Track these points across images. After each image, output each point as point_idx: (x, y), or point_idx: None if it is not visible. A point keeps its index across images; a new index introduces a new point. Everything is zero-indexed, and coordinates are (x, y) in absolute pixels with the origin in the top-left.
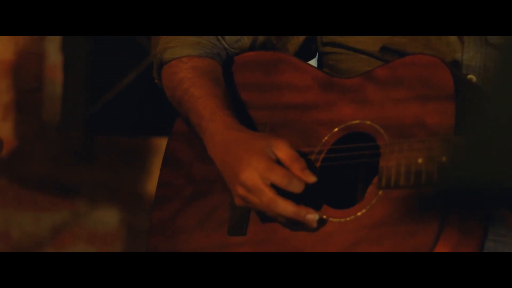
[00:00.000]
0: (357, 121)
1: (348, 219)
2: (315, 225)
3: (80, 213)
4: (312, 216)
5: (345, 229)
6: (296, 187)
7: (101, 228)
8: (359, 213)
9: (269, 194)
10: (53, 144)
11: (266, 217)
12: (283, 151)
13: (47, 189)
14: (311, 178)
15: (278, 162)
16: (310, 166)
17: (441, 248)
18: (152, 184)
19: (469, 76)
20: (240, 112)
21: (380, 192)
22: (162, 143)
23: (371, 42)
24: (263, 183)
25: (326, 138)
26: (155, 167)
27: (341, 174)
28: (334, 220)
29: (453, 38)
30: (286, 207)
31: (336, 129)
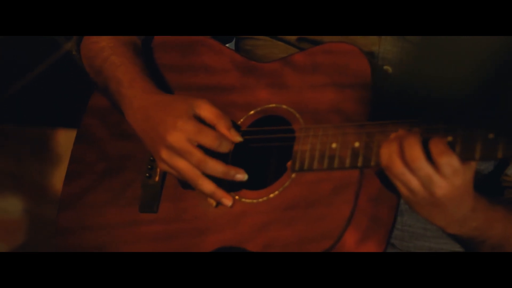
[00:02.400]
0: (273, 105)
1: (260, 200)
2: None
3: None
4: (241, 176)
5: (257, 210)
6: (225, 147)
7: (4, 216)
8: (271, 195)
9: (198, 154)
10: None
11: (180, 193)
12: (206, 110)
13: None
14: (238, 138)
15: (203, 122)
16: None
17: (351, 232)
18: (58, 175)
19: (385, 67)
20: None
21: (293, 175)
22: (70, 135)
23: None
24: (191, 145)
25: (241, 120)
26: (62, 158)
27: (256, 156)
28: (247, 200)
29: None
30: (217, 166)
31: (252, 112)
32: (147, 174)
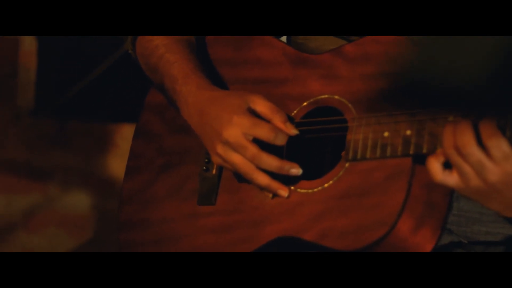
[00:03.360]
0: (326, 96)
1: (315, 190)
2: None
3: (52, 197)
4: (295, 170)
5: (312, 200)
6: (281, 140)
7: (72, 211)
8: (326, 185)
9: (253, 149)
10: (27, 129)
11: (237, 185)
12: (261, 104)
13: (20, 172)
14: (293, 131)
15: (258, 116)
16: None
17: (406, 219)
18: (123, 170)
19: None
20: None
21: (347, 164)
22: (133, 129)
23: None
24: (246, 139)
25: (295, 112)
26: (126, 153)
27: (310, 147)
28: (302, 191)
29: None
30: (271, 161)
31: (305, 103)
32: (204, 167)
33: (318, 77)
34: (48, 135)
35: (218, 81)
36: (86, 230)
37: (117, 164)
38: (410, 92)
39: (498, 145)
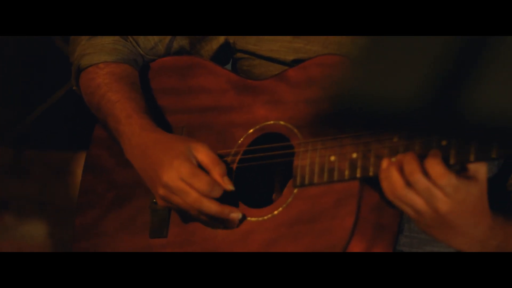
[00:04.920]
0: (271, 122)
1: (265, 217)
2: (236, 222)
3: (8, 227)
4: (235, 215)
5: (263, 228)
6: (216, 194)
7: (29, 241)
8: (275, 212)
9: (193, 194)
10: None
11: (187, 216)
12: (204, 154)
13: None
14: (229, 187)
15: (199, 165)
16: (228, 168)
17: (356, 243)
18: None
19: None
20: (158, 117)
21: (295, 191)
22: None
23: (283, 51)
24: (186, 184)
25: (241, 139)
26: None
27: (258, 175)
28: (252, 219)
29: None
30: (211, 207)
31: (251, 130)
32: (154, 200)
33: (263, 103)
34: (3, 164)
35: (163, 111)
36: None
37: (74, 193)
38: (354, 115)
39: (449, 183)
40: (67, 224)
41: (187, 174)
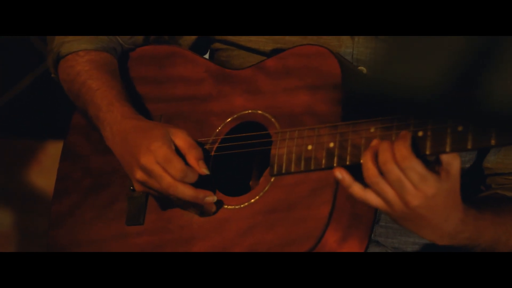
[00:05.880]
0: (249, 111)
1: (242, 206)
2: (213, 207)
3: None
4: (210, 198)
5: (239, 216)
6: (190, 179)
7: None
8: (252, 200)
9: (168, 179)
10: None
11: (164, 203)
12: (181, 139)
13: None
14: (204, 171)
15: (176, 150)
16: (205, 156)
17: (332, 232)
18: (48, 187)
19: (359, 68)
20: (136, 105)
21: (272, 179)
22: (59, 146)
23: (262, 42)
24: (161, 168)
25: (219, 128)
26: (52, 170)
27: (236, 163)
28: (229, 207)
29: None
30: (185, 191)
31: (229, 119)
32: (131, 187)
33: (241, 93)
34: None
35: (142, 100)
36: (9, 248)
37: (40, 181)
38: (332, 105)
39: (412, 167)
40: (33, 213)
41: (162, 158)
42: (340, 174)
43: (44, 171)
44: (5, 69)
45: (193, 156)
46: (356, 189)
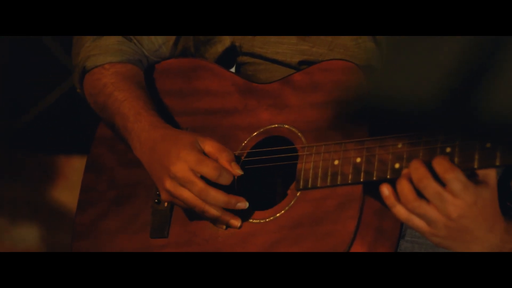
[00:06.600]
0: (276, 125)
1: (268, 220)
2: (240, 224)
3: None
4: (242, 204)
5: (265, 230)
6: (225, 179)
7: (21, 244)
8: (278, 214)
9: (200, 184)
10: None
11: (190, 215)
12: (210, 145)
13: None
14: (238, 171)
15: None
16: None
17: (357, 247)
18: (73, 203)
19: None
20: (162, 118)
21: (298, 193)
22: (83, 161)
23: (289, 54)
24: (193, 174)
25: (245, 142)
26: (77, 185)
27: (261, 177)
28: (254, 221)
29: (371, 45)
30: (217, 196)
31: (255, 133)
32: (156, 200)
33: (268, 107)
34: None
35: (167, 112)
36: None
37: (66, 196)
38: (359, 120)
39: (456, 177)
40: (59, 227)
41: (194, 162)
42: (388, 190)
43: (70, 186)
44: (30, 85)
45: (224, 158)
46: (402, 210)
